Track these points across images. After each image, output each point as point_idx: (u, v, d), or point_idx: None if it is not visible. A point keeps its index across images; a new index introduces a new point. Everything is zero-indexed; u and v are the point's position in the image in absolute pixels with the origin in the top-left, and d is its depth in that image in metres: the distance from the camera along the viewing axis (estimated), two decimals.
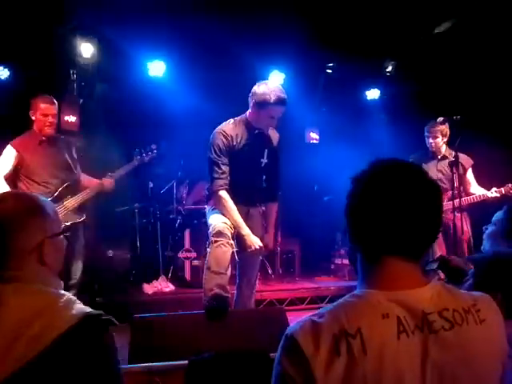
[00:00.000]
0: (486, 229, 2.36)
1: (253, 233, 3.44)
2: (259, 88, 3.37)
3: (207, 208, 3.70)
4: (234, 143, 3.44)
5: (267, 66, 6.14)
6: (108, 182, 4.09)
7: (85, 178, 4.14)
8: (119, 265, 5.31)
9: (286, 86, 6.26)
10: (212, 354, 2.16)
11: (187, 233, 5.35)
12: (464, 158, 4.47)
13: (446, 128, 4.37)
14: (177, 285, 5.14)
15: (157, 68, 5.83)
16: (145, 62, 5.82)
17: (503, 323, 1.09)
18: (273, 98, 3.31)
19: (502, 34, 4.85)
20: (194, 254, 5.24)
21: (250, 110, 3.47)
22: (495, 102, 5.17)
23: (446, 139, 4.45)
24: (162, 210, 5.57)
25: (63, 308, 1.18)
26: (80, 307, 1.20)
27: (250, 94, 3.42)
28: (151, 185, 5.44)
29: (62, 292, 1.25)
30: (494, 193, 4.31)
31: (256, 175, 3.57)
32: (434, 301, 1.02)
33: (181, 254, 5.26)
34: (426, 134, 4.53)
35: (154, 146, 4.44)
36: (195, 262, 5.27)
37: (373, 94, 6.73)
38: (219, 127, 3.49)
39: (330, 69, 6.40)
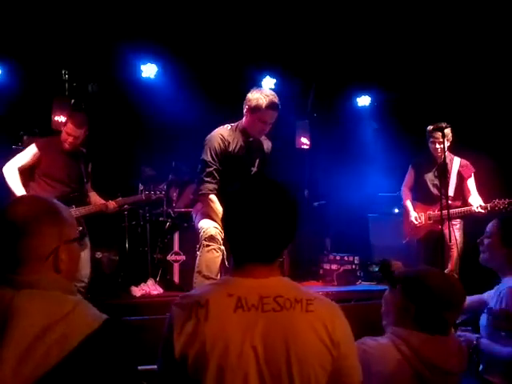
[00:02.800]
0: (482, 241, 2.40)
1: None
2: (253, 94, 3.43)
3: (194, 212, 3.70)
4: (230, 149, 3.47)
5: (259, 72, 6.17)
6: (112, 204, 4.19)
7: (93, 195, 4.24)
8: (107, 267, 5.28)
9: (277, 91, 6.30)
10: None
11: (176, 235, 5.32)
12: (464, 165, 4.44)
13: (450, 133, 4.23)
14: (165, 287, 5.11)
15: (149, 70, 5.83)
16: (137, 64, 5.82)
17: (339, 323, 1.31)
18: (265, 103, 3.35)
19: (494, 39, 4.91)
20: (183, 257, 5.21)
21: (244, 117, 3.49)
22: (484, 110, 5.22)
23: (448, 144, 4.26)
24: (151, 213, 5.54)
25: (83, 314, 1.18)
26: (98, 313, 1.22)
27: (245, 101, 3.46)
28: (141, 187, 5.42)
29: (79, 298, 1.26)
30: (478, 209, 4.22)
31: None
32: (272, 289, 1.31)
33: (170, 257, 5.23)
34: (429, 139, 4.38)
35: (163, 187, 4.57)
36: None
37: (363, 100, 6.78)
38: (217, 130, 3.51)
39: (321, 75, 6.44)
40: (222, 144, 3.44)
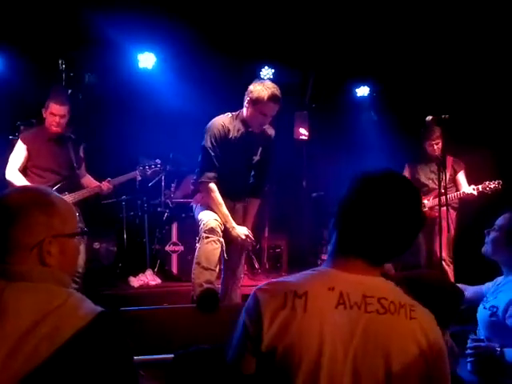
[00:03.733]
0: (488, 232, 2.37)
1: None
2: (255, 86, 3.41)
3: (194, 202, 3.70)
4: (230, 136, 3.46)
5: (257, 62, 6.14)
6: (106, 186, 4.14)
7: (87, 179, 4.21)
8: (105, 257, 5.28)
9: (275, 81, 6.25)
10: (198, 348, 2.16)
11: (175, 226, 5.33)
12: (456, 162, 4.67)
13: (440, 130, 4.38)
14: (163, 278, 5.13)
15: (147, 60, 5.80)
16: (135, 54, 5.78)
17: (438, 334, 1.22)
18: (267, 95, 3.34)
19: (494, 34, 4.89)
20: (181, 248, 5.22)
21: (244, 109, 3.48)
22: (484, 101, 5.21)
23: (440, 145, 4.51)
24: (149, 203, 5.54)
25: (75, 306, 1.14)
26: (92, 305, 1.17)
27: (246, 92, 3.45)
28: (139, 178, 5.41)
29: (72, 290, 1.21)
30: (470, 190, 4.44)
31: (245, 171, 3.59)
32: (376, 289, 1.21)
33: (168, 248, 5.24)
34: (426, 141, 4.59)
35: (158, 161, 4.51)
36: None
37: (362, 91, 6.75)
38: (217, 118, 3.50)
39: (319, 65, 6.40)
40: (221, 131, 3.43)
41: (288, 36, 5.35)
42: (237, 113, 3.54)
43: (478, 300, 2.37)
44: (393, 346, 1.16)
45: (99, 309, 1.17)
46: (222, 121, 3.47)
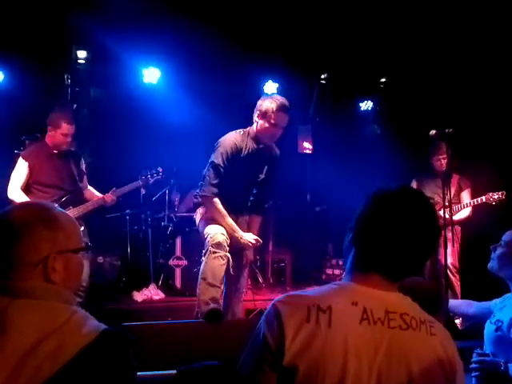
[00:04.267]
0: (495, 248, 2.35)
1: (233, 242, 3.48)
2: (263, 100, 3.45)
3: (197, 216, 3.68)
4: (241, 154, 3.45)
5: (261, 76, 6.17)
6: (110, 197, 4.13)
7: (89, 192, 4.21)
8: (109, 271, 5.27)
9: (280, 95, 6.30)
10: (201, 364, 2.14)
11: (178, 240, 5.31)
12: (462, 180, 4.69)
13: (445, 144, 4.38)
14: (167, 293, 5.10)
15: (152, 75, 5.85)
16: (140, 69, 5.83)
17: (455, 350, 1.23)
18: (276, 105, 3.37)
19: (495, 47, 4.90)
20: (184, 262, 5.20)
21: (255, 124, 3.49)
22: (487, 115, 5.20)
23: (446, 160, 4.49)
24: (153, 217, 5.54)
25: (79, 324, 1.12)
26: (95, 323, 1.15)
27: (255, 108, 3.47)
28: (143, 191, 5.41)
29: (76, 308, 1.19)
30: (473, 202, 4.45)
31: (248, 188, 3.60)
32: (398, 304, 1.21)
33: (171, 262, 5.22)
34: (433, 156, 4.59)
35: (160, 169, 4.50)
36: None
37: (366, 104, 6.78)
38: (230, 135, 3.50)
39: (323, 80, 6.44)
40: (234, 148, 3.43)
41: (292, 50, 5.38)
42: (247, 129, 3.53)
43: (484, 316, 2.34)
44: (416, 361, 1.15)
45: (103, 327, 1.15)
46: (235, 138, 3.46)
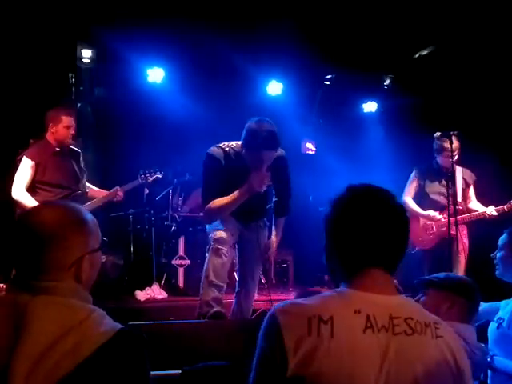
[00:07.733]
0: (495, 255, 2.40)
1: (247, 247, 3.42)
2: (250, 126, 3.14)
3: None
4: (240, 164, 3.23)
5: (265, 76, 6.17)
6: (122, 191, 4.17)
7: (90, 189, 4.21)
8: (112, 270, 5.27)
9: (283, 96, 6.32)
10: (205, 364, 2.14)
11: (182, 240, 5.32)
12: (468, 174, 4.48)
13: (458, 144, 4.20)
14: (170, 292, 5.11)
15: (156, 74, 5.85)
16: (144, 68, 5.83)
17: (462, 351, 1.22)
18: (259, 142, 3.06)
19: (502, 47, 4.89)
20: (187, 262, 5.21)
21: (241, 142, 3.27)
22: (494, 116, 5.18)
23: (457, 157, 4.27)
24: (156, 217, 5.54)
25: (97, 322, 1.15)
26: (112, 322, 1.19)
27: (243, 130, 3.22)
28: (147, 191, 5.42)
29: (94, 306, 1.22)
30: (493, 212, 4.21)
31: (253, 198, 3.30)
32: (402, 308, 1.19)
33: (174, 261, 5.23)
34: (442, 152, 4.29)
35: (157, 170, 4.53)
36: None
37: (370, 106, 6.77)
38: (226, 143, 3.33)
39: (327, 80, 6.44)
40: (227, 157, 3.27)
41: (296, 51, 5.38)
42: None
43: (490, 316, 2.35)
44: (423, 366, 1.14)
45: (119, 326, 1.18)
46: (231, 146, 3.29)
